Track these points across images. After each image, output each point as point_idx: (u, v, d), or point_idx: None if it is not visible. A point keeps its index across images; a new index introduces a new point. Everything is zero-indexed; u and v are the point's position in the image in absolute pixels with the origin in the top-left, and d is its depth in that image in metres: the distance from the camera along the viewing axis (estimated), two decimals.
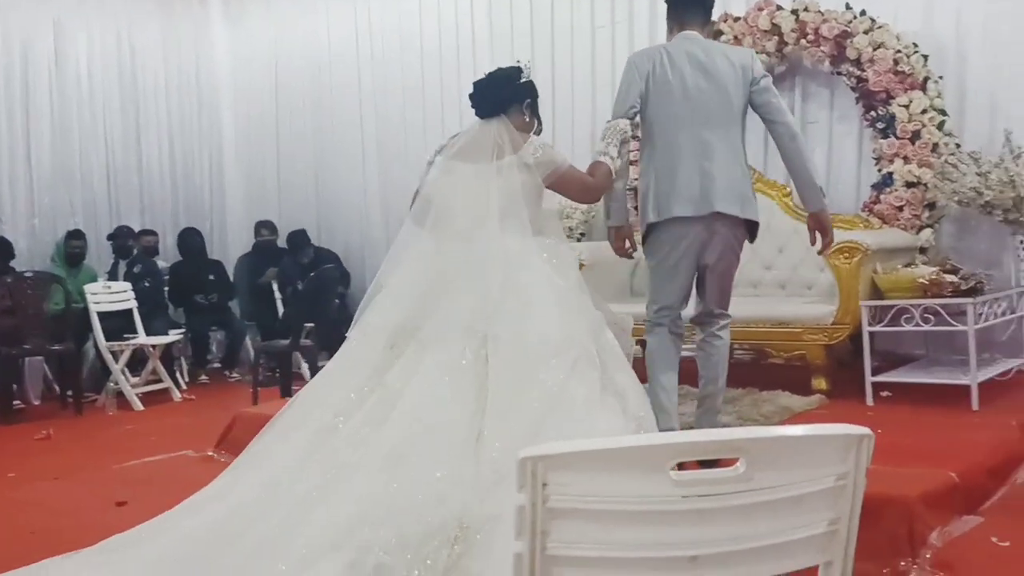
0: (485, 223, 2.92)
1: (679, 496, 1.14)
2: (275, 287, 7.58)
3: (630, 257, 3.65)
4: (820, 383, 4.57)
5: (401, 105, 7.51)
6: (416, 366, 2.77)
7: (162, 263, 7.72)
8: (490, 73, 3.26)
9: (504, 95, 3.11)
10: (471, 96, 3.17)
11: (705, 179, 3.33)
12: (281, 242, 7.89)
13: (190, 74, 8.53)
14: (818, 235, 3.48)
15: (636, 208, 3.77)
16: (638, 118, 3.46)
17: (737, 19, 5.50)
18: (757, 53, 5.26)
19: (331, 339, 6.92)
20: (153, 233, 7.78)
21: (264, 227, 7.97)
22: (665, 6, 3.66)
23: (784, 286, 5.26)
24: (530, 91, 3.18)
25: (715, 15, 5.59)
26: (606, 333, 2.92)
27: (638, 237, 3.57)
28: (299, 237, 7.69)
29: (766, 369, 4.87)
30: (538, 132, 3.22)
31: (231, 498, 2.75)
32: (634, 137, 3.57)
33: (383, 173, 7.72)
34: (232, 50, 8.66)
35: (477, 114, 3.16)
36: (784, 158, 3.44)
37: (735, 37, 5.47)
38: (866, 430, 1.21)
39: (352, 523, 2.37)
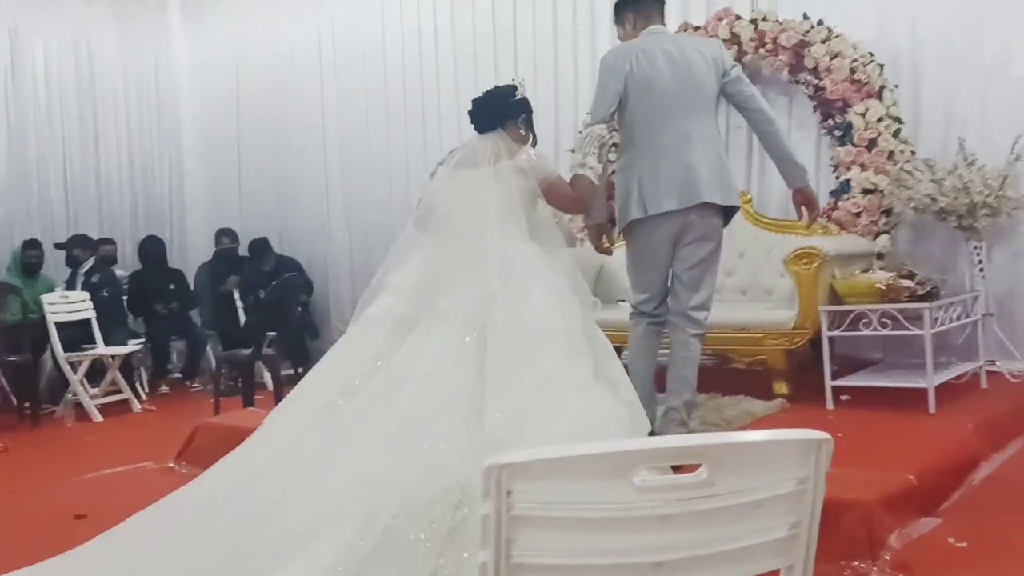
0: (484, 222, 3.09)
1: (643, 502, 1.15)
2: (237, 296, 7.51)
3: (609, 254, 3.79)
4: (781, 387, 4.62)
5: (364, 111, 7.50)
6: (419, 349, 2.91)
7: (121, 272, 7.62)
8: (487, 91, 3.45)
9: (500, 111, 3.31)
10: (470, 112, 3.36)
11: (689, 172, 3.46)
12: (243, 250, 7.82)
13: (149, 80, 8.44)
14: (804, 210, 3.65)
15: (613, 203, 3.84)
16: (615, 118, 3.55)
17: (697, 28, 5.56)
18: None
19: (294, 348, 6.91)
20: (111, 242, 7.68)
21: (225, 235, 7.90)
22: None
23: (745, 292, 5.32)
24: (524, 107, 3.37)
25: (675, 25, 5.74)
26: (598, 330, 3.07)
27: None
28: (261, 245, 7.63)
29: (728, 374, 4.92)
30: (533, 145, 3.40)
31: (238, 472, 2.88)
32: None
33: (346, 179, 7.69)
34: (192, 56, 8.59)
35: (476, 129, 3.34)
36: (764, 143, 3.64)
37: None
38: (825, 435, 1.23)
39: (363, 489, 2.51)
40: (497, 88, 3.44)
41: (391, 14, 7.22)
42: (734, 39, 5.41)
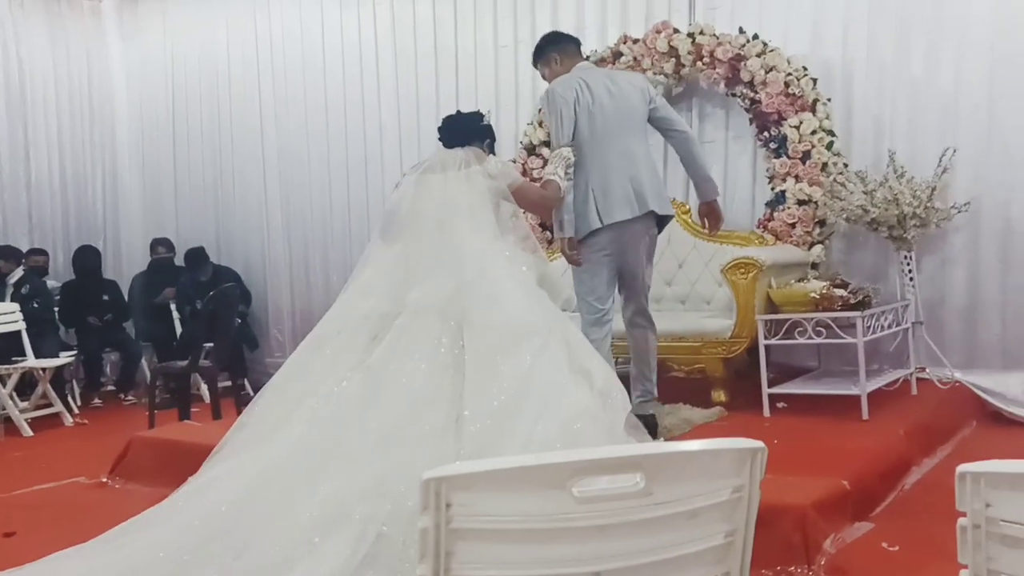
0: (455, 219, 3.25)
1: (581, 513, 1.16)
2: (172, 306, 7.38)
3: (579, 264, 3.97)
4: (720, 395, 4.69)
5: (303, 120, 7.42)
6: (395, 351, 3.00)
7: (52, 282, 7.43)
8: (457, 113, 3.74)
9: (470, 131, 3.54)
10: (439, 128, 3.56)
11: (635, 184, 3.91)
12: (179, 260, 7.68)
13: (82, 88, 8.25)
14: (707, 221, 4.17)
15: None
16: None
17: (636, 41, 5.62)
18: (656, 74, 5.48)
19: (231, 359, 6.79)
20: (43, 252, 7.49)
21: (161, 244, 7.76)
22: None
23: (684, 301, 5.39)
24: (491, 133, 3.64)
25: (615, 37, 5.82)
26: (564, 320, 3.21)
27: None
28: (197, 255, 7.50)
29: (668, 382, 4.97)
30: None
31: (225, 487, 2.86)
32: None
33: (284, 188, 7.61)
34: (127, 63, 8.42)
35: (444, 144, 3.51)
36: (684, 160, 4.13)
37: (634, 58, 5.60)
38: (759, 444, 1.25)
39: (353, 498, 2.59)
40: (466, 113, 3.72)
41: (331, 25, 7.17)
42: (672, 52, 5.49)
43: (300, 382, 3.11)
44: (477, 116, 3.62)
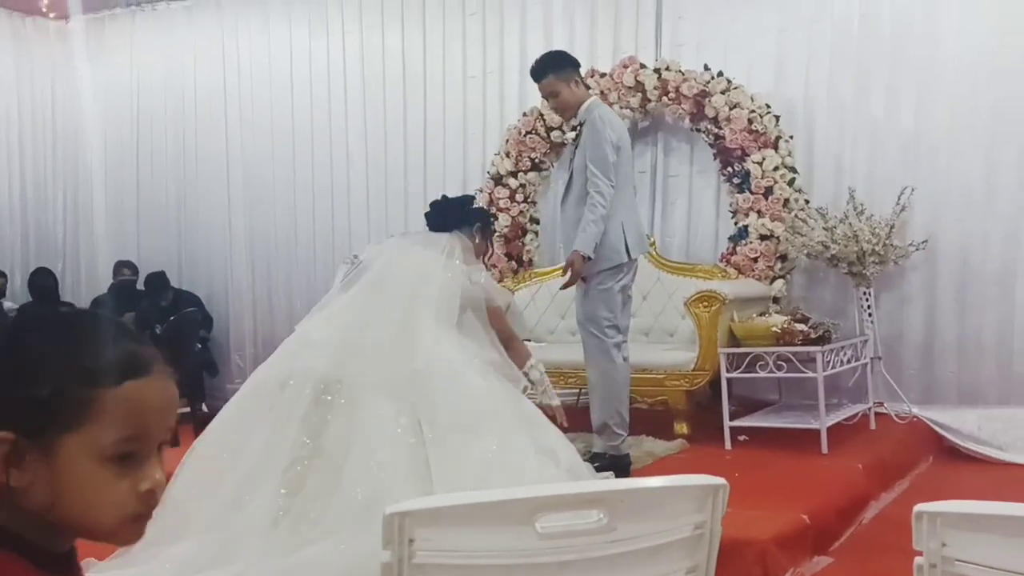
0: (419, 299, 3.20)
1: (543, 549, 1.16)
2: None
3: (579, 279, 3.94)
4: (682, 428, 4.71)
5: (269, 146, 7.39)
6: (350, 430, 2.88)
7: (9, 304, 7.29)
8: (444, 198, 3.73)
9: (458, 216, 3.55)
10: (427, 214, 3.62)
11: (640, 225, 4.17)
12: (140, 283, 7.59)
13: (45, 108, 8.16)
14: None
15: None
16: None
17: (603, 75, 5.68)
18: (622, 108, 5.54)
19: (191, 385, 6.70)
20: (1, 275, 7.37)
21: (125, 266, 7.65)
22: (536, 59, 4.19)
23: (648, 333, 5.42)
24: (480, 216, 3.69)
25: (582, 70, 5.84)
26: (525, 402, 3.18)
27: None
28: (158, 279, 7.41)
29: (631, 414, 4.98)
30: (490, 256, 3.77)
31: None
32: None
33: (249, 214, 7.54)
34: (92, 84, 8.34)
35: (431, 228, 3.58)
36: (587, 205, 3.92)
37: (601, 92, 5.65)
38: (721, 480, 1.25)
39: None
40: (453, 198, 3.75)
41: (300, 51, 7.17)
42: (639, 87, 5.55)
43: (239, 458, 2.92)
44: (466, 201, 3.67)
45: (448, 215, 3.53)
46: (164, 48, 7.89)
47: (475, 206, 3.68)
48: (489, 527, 1.15)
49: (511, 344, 3.54)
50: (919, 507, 0.94)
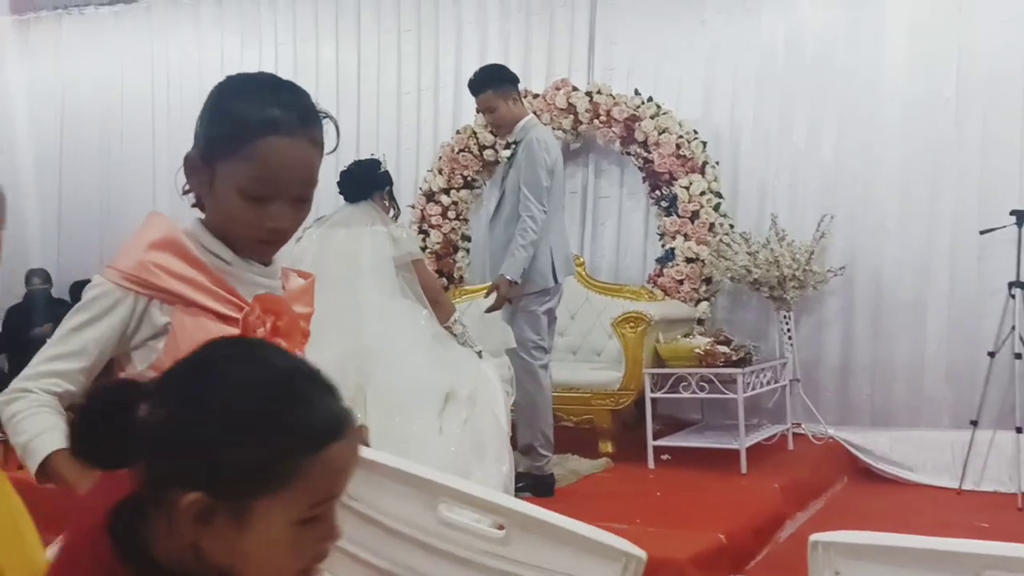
0: (358, 277, 3.34)
1: (444, 537, 1.17)
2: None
3: (506, 304, 3.98)
4: (607, 446, 4.77)
5: None
6: None
7: None
8: (355, 162, 3.80)
9: (370, 182, 3.66)
10: (339, 183, 3.64)
11: (567, 249, 4.22)
12: (59, 292, 7.39)
13: None
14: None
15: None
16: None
17: (536, 96, 5.75)
18: (554, 129, 5.61)
19: None
20: None
21: (35, 275, 7.43)
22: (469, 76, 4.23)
23: (575, 352, 5.48)
24: (389, 180, 3.75)
25: None
26: (467, 372, 3.28)
27: None
28: (82, 288, 7.23)
29: (557, 432, 5.01)
30: (396, 217, 3.75)
31: None
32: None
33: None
34: (16, 88, 8.12)
35: (346, 199, 3.63)
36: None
37: (534, 113, 5.70)
38: (639, 553, 1.13)
39: None
40: (361, 161, 3.80)
41: (231, 61, 7.08)
42: (570, 109, 5.63)
43: None
44: (373, 165, 3.70)
45: (362, 183, 3.64)
46: (91, 52, 7.73)
47: (383, 170, 3.74)
48: (395, 496, 1.16)
49: (437, 297, 3.68)
50: (814, 537, 0.99)
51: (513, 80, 4.14)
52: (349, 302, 3.23)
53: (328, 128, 1.38)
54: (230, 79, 1.39)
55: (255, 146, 1.28)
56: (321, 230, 3.53)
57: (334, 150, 1.40)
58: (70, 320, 1.38)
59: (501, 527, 1.18)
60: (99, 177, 7.74)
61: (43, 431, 1.30)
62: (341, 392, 0.94)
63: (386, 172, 3.78)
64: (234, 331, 1.32)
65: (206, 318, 1.33)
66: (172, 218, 1.43)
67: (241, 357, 0.93)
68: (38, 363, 1.38)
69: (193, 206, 1.44)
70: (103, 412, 0.91)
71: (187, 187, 1.41)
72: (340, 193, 3.63)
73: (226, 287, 1.35)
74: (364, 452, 1.24)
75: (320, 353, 2.98)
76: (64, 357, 1.36)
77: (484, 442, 3.09)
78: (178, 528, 0.86)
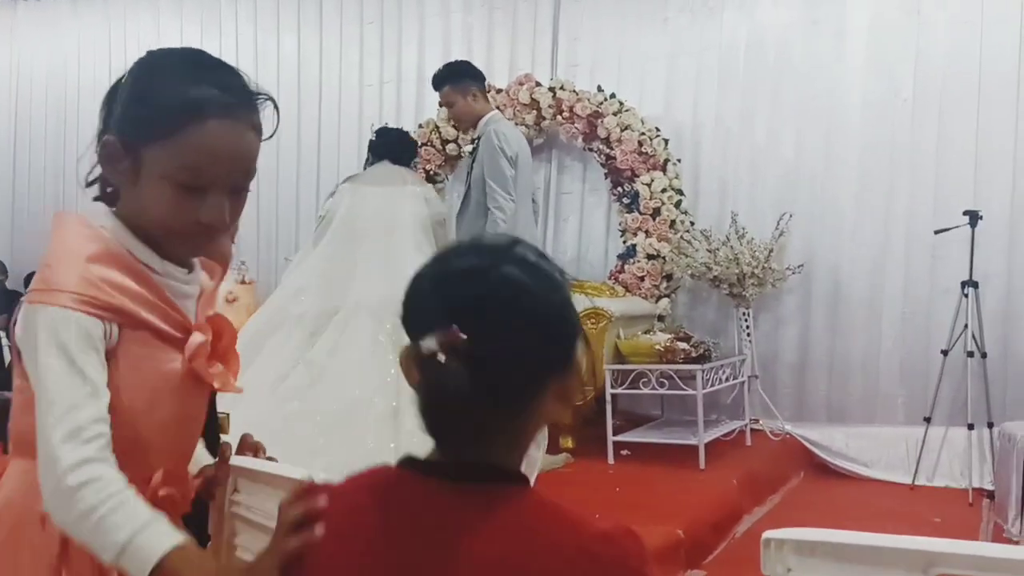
0: (402, 233, 3.60)
1: None
2: (3, 335, 6.94)
3: None
4: (567, 442, 4.78)
5: None
6: (337, 345, 3.30)
7: None
8: (395, 130, 4.25)
9: (408, 149, 4.07)
10: (378, 144, 3.99)
11: (537, 240, 4.45)
12: (13, 284, 7.26)
13: None
14: None
15: None
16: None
17: (499, 91, 5.74)
18: (517, 124, 5.60)
19: None
20: None
21: None
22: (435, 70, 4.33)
23: None
24: (415, 147, 4.23)
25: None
26: None
27: None
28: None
29: None
30: None
31: None
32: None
33: None
34: None
35: (387, 157, 3.93)
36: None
37: (497, 107, 5.70)
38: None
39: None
40: (399, 130, 4.19)
41: None
42: (533, 104, 5.63)
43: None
44: (409, 136, 4.03)
45: (403, 148, 3.99)
46: (47, 41, 7.60)
47: (412, 139, 4.17)
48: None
49: None
50: (766, 534, 1.00)
51: (475, 76, 4.20)
52: (394, 253, 3.50)
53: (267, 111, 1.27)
54: (156, 54, 1.23)
55: (190, 130, 1.14)
56: (355, 186, 3.76)
57: (272, 136, 1.28)
58: (55, 364, 1.09)
59: None
60: (53, 168, 7.61)
61: (145, 524, 1.04)
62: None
63: (414, 141, 4.18)
64: (177, 357, 1.18)
65: (153, 341, 1.17)
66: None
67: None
68: (65, 417, 1.07)
69: (96, 199, 1.27)
70: None
71: (94, 177, 1.26)
72: (376, 152, 3.90)
73: (170, 302, 1.19)
74: (247, 463, 1.26)
75: (363, 293, 3.31)
76: (86, 400, 1.09)
77: None
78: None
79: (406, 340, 0.96)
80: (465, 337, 0.88)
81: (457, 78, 4.13)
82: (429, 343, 0.90)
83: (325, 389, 3.15)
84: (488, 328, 0.89)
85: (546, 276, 0.95)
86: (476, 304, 0.91)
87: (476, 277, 0.93)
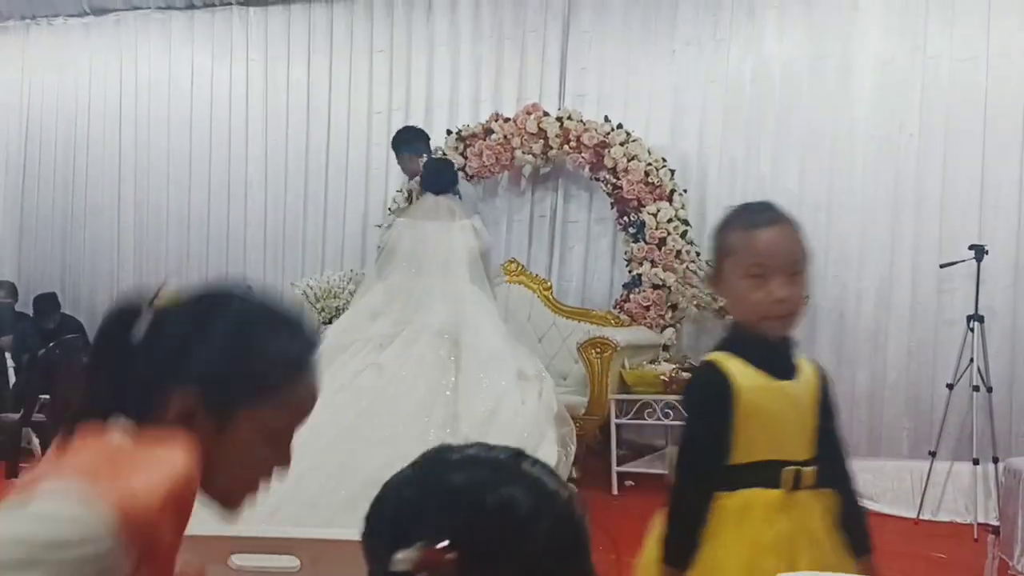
0: (457, 267, 4.00)
1: None
2: (8, 356, 6.95)
3: None
4: (571, 472, 4.77)
5: (164, 171, 7.21)
6: (403, 354, 3.68)
7: None
8: (439, 159, 4.68)
9: (450, 179, 4.32)
10: (426, 175, 4.39)
11: None
12: (21, 306, 7.27)
13: None
14: None
15: None
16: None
17: (507, 120, 5.78)
18: (524, 153, 5.64)
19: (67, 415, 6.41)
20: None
21: (1, 288, 7.33)
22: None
23: None
24: (458, 178, 4.42)
25: (486, 114, 5.97)
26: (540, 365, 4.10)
27: None
28: (47, 301, 7.11)
29: None
30: None
31: None
32: None
33: (139, 239, 7.32)
34: None
35: (428, 188, 4.29)
36: None
37: (504, 136, 5.74)
38: None
39: (360, 482, 2.89)
40: (443, 160, 4.54)
41: (201, 76, 7.05)
42: (541, 133, 5.67)
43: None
44: (451, 165, 4.38)
45: (444, 178, 4.27)
46: (59, 64, 7.64)
47: (449, 167, 4.43)
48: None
49: (495, 282, 4.52)
50: None
51: (428, 143, 5.19)
52: (450, 285, 3.92)
53: None
54: (246, 308, 1.10)
55: (294, 389, 1.07)
56: (412, 221, 4.14)
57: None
58: None
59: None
60: (62, 191, 7.63)
61: None
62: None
63: (457, 172, 4.47)
64: None
65: None
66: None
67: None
68: None
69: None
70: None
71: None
72: (427, 184, 4.24)
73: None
74: None
75: (427, 318, 3.71)
76: None
77: (556, 412, 3.75)
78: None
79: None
80: (453, 558, 0.80)
81: (412, 148, 5.07)
82: (406, 557, 0.81)
83: (393, 389, 3.51)
84: (479, 557, 0.81)
85: (549, 496, 0.86)
86: (468, 527, 0.83)
87: (473, 496, 0.85)
